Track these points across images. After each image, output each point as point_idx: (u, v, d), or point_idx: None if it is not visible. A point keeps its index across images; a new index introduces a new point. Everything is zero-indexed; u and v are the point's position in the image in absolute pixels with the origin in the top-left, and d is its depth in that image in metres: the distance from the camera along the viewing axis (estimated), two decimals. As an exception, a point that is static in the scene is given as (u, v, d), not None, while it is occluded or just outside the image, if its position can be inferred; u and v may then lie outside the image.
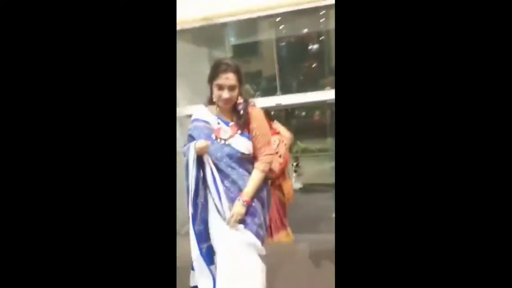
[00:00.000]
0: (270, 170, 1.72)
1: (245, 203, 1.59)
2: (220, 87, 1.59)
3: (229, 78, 1.57)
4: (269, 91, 3.24)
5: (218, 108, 1.69)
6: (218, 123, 1.66)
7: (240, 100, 1.66)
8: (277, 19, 5.02)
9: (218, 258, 1.61)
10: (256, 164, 1.66)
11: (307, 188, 4.78)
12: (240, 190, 1.62)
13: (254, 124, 1.65)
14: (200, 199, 1.61)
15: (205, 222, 1.64)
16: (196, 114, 1.74)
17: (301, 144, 6.05)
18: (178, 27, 4.91)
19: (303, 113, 7.14)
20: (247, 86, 3.32)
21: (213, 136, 1.64)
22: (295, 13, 3.90)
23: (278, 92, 5.63)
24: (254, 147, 1.65)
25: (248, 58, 6.21)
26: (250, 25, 5.53)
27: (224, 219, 1.60)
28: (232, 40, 6.16)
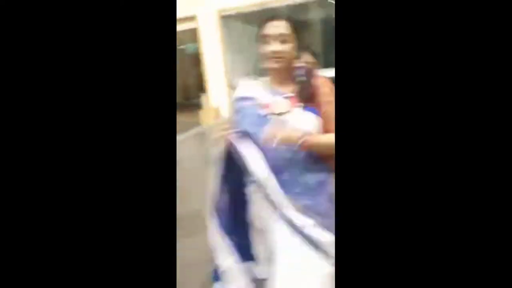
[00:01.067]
0: None
1: None
2: (267, 39, 1.15)
3: (278, 26, 1.15)
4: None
5: (270, 78, 1.24)
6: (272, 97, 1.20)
7: (300, 64, 1.23)
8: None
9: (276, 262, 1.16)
10: None
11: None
12: (304, 186, 1.15)
13: (323, 98, 1.16)
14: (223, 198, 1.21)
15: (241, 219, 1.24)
16: (239, 92, 1.27)
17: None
18: (241, 10, 5.55)
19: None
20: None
21: (263, 113, 1.17)
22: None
23: (322, 66, 6.24)
24: (327, 129, 1.16)
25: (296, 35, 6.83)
26: (299, 6, 6.18)
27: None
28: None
